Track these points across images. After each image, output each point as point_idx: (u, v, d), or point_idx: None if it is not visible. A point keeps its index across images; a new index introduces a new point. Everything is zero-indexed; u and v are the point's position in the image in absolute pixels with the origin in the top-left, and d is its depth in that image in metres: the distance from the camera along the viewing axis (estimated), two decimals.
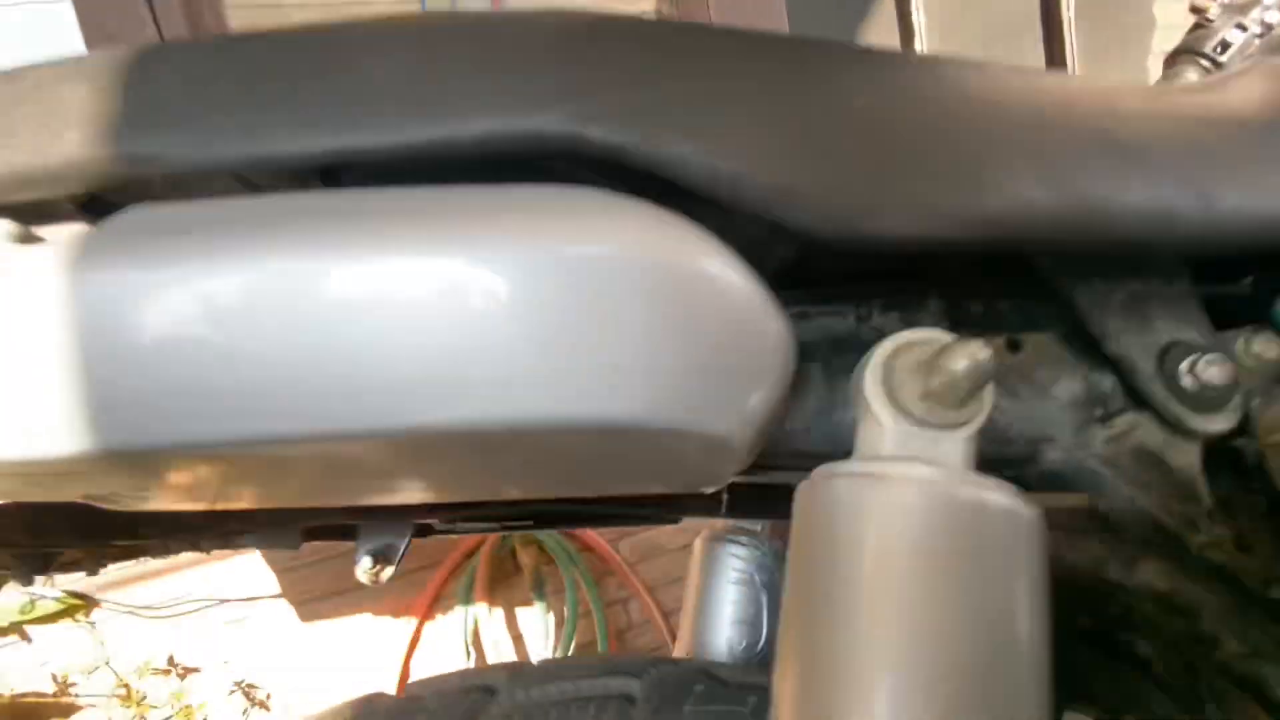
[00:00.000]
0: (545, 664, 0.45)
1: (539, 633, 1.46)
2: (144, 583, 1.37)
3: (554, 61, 0.27)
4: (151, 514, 0.59)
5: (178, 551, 0.64)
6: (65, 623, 1.34)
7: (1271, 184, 0.32)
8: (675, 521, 0.66)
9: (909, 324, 0.39)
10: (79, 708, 1.37)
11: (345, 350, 0.26)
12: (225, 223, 0.28)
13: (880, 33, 1.65)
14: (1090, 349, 0.38)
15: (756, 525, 0.73)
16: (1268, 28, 0.64)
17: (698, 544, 0.72)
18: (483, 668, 0.48)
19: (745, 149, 0.27)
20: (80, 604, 1.33)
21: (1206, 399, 0.35)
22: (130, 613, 1.36)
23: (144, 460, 0.28)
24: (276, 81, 0.28)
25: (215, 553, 1.36)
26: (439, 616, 1.49)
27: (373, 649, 1.47)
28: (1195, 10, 0.66)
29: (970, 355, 0.27)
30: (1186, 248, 0.35)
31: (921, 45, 1.63)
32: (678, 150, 0.26)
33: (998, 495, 0.26)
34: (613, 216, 0.27)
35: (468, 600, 1.44)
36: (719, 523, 0.75)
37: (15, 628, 1.32)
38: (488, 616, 1.44)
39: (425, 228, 0.27)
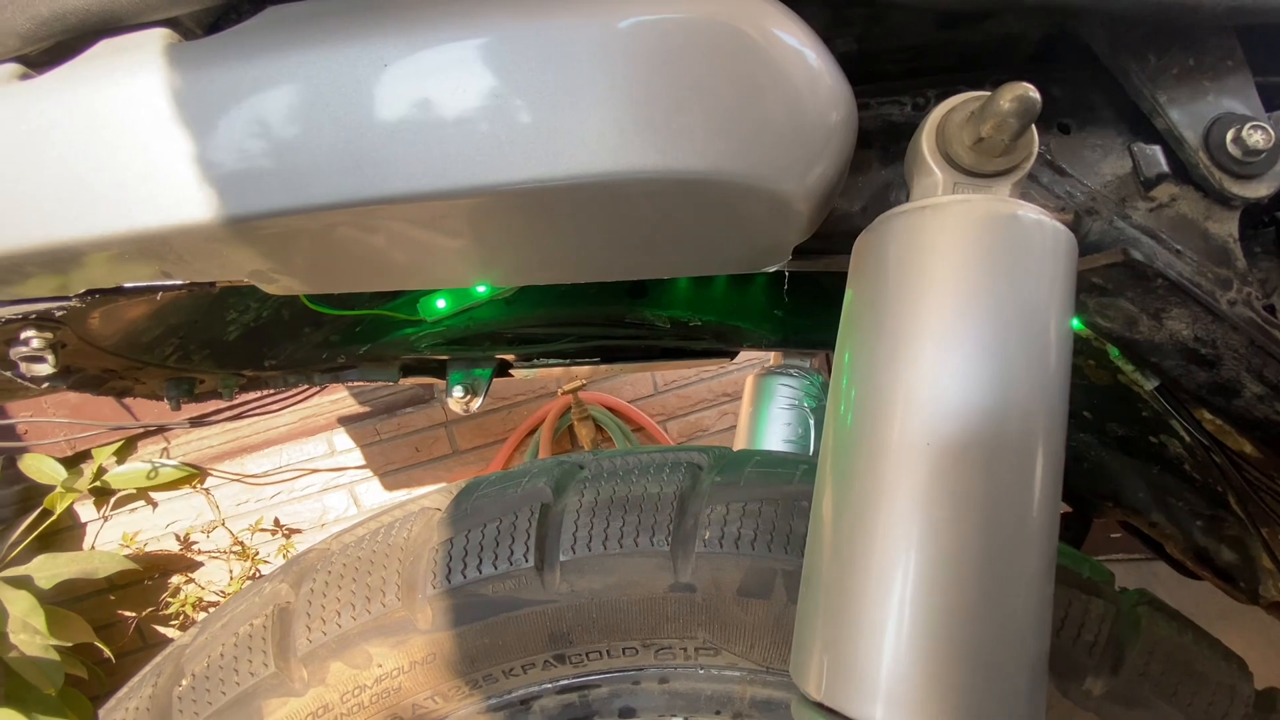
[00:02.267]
0: (625, 449, 0.51)
1: None
2: (249, 455, 1.53)
3: None
4: (274, 342, 0.67)
5: (294, 385, 0.73)
6: (184, 489, 1.53)
7: None
8: (733, 355, 0.72)
9: None
10: (201, 563, 1.58)
11: (468, 113, 0.31)
12: (367, 17, 0.32)
13: None
14: (1136, 128, 0.40)
15: (805, 361, 0.78)
16: None
17: (749, 380, 0.78)
18: (571, 452, 0.55)
19: None
20: (195, 472, 1.50)
21: (1248, 167, 0.37)
22: (238, 479, 1.54)
23: (306, 223, 0.33)
24: None
25: (305, 428, 1.51)
26: None
27: None
28: None
29: (1019, 92, 0.30)
30: (1233, 14, 0.35)
31: None
32: None
33: (1039, 215, 0.30)
34: None
35: None
36: (770, 362, 0.80)
37: (142, 493, 1.52)
38: None
39: (525, 7, 0.31)
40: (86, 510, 1.50)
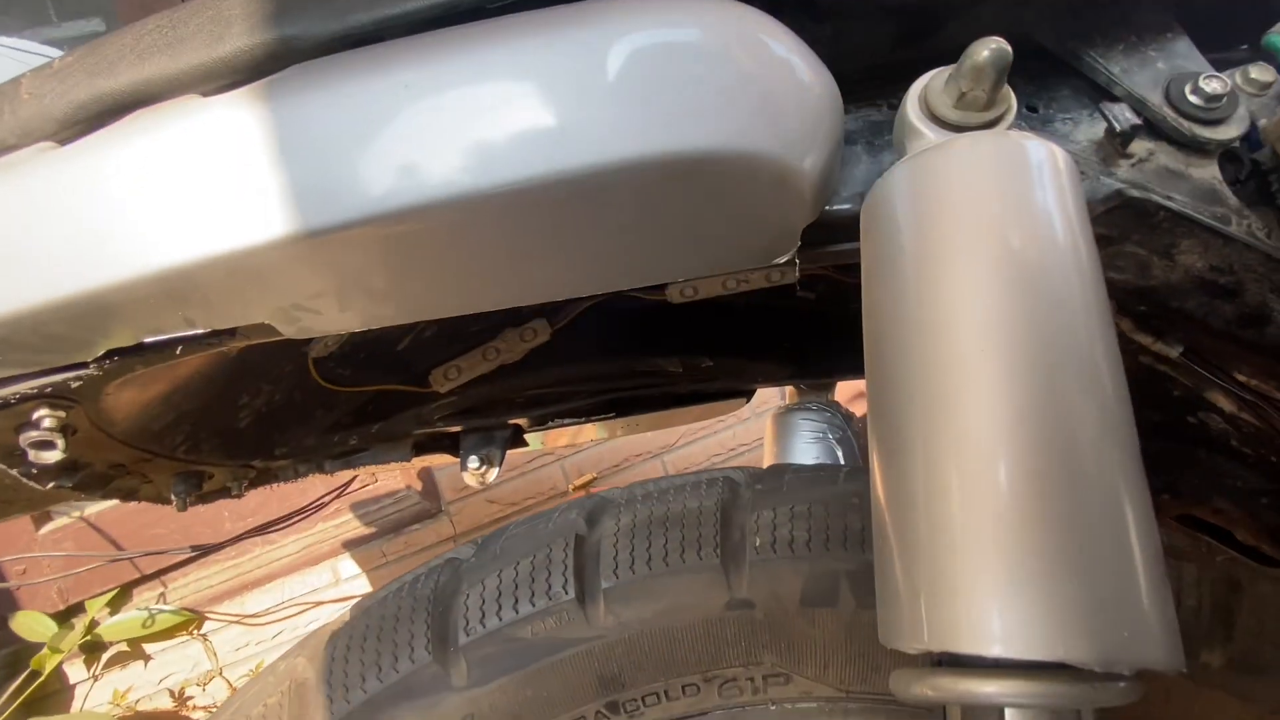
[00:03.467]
0: (655, 480, 0.49)
1: None
2: (247, 593, 1.45)
3: None
4: (285, 427, 0.66)
5: (305, 474, 0.71)
6: (181, 637, 1.42)
7: None
8: (749, 396, 0.71)
9: None
10: None
11: (513, 113, 0.33)
12: (383, 56, 0.35)
13: None
14: (1098, 99, 0.43)
15: (823, 396, 0.77)
16: None
17: (769, 422, 0.77)
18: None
19: None
20: (193, 617, 1.41)
21: (1213, 111, 0.40)
22: (237, 622, 1.44)
23: (341, 239, 0.34)
24: None
25: (308, 557, 1.44)
26: None
27: None
28: None
29: (990, 45, 0.32)
30: None
31: None
32: None
33: (1036, 141, 0.31)
34: (694, 3, 0.34)
35: None
36: (788, 400, 0.79)
37: (135, 646, 1.41)
38: None
39: (566, 21, 0.34)
40: (76, 670, 1.39)
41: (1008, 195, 0.30)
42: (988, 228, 0.29)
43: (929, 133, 0.35)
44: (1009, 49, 0.32)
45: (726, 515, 0.41)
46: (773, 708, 0.40)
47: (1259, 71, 0.42)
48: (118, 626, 1.36)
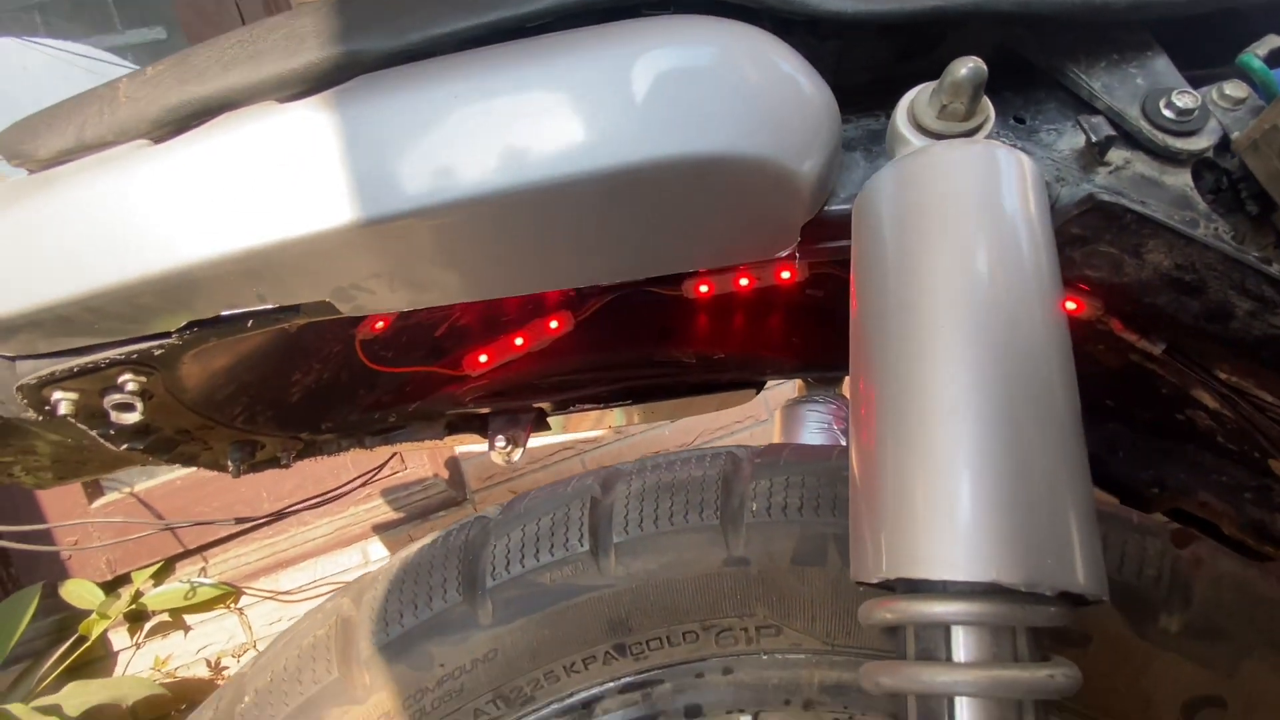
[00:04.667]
0: (664, 454, 0.54)
1: None
2: (282, 571, 1.52)
3: None
4: (332, 403, 0.72)
5: (347, 448, 0.77)
6: (219, 610, 1.50)
7: None
8: (759, 388, 0.75)
9: None
10: None
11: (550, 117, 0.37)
12: (436, 70, 0.41)
13: None
14: (1081, 111, 0.46)
15: (830, 389, 0.80)
16: None
17: (778, 414, 0.81)
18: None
19: None
20: (231, 591, 1.49)
21: (1185, 124, 0.43)
22: (271, 597, 1.52)
23: (401, 228, 0.40)
24: None
25: (340, 539, 1.51)
26: None
27: None
28: None
29: (968, 63, 0.36)
30: (1134, 10, 0.43)
31: None
32: None
33: (1005, 150, 0.35)
34: (707, 24, 0.39)
35: None
36: (794, 393, 0.83)
37: (176, 617, 1.49)
38: None
39: (594, 44, 0.39)
40: (120, 638, 1.48)
41: (977, 196, 0.34)
42: (957, 224, 0.33)
43: (914, 140, 0.39)
44: (984, 67, 0.36)
45: (728, 483, 0.46)
46: (764, 657, 0.44)
47: (1233, 88, 0.45)
48: (161, 597, 1.44)
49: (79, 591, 1.40)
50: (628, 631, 0.44)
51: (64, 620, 1.43)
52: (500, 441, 0.74)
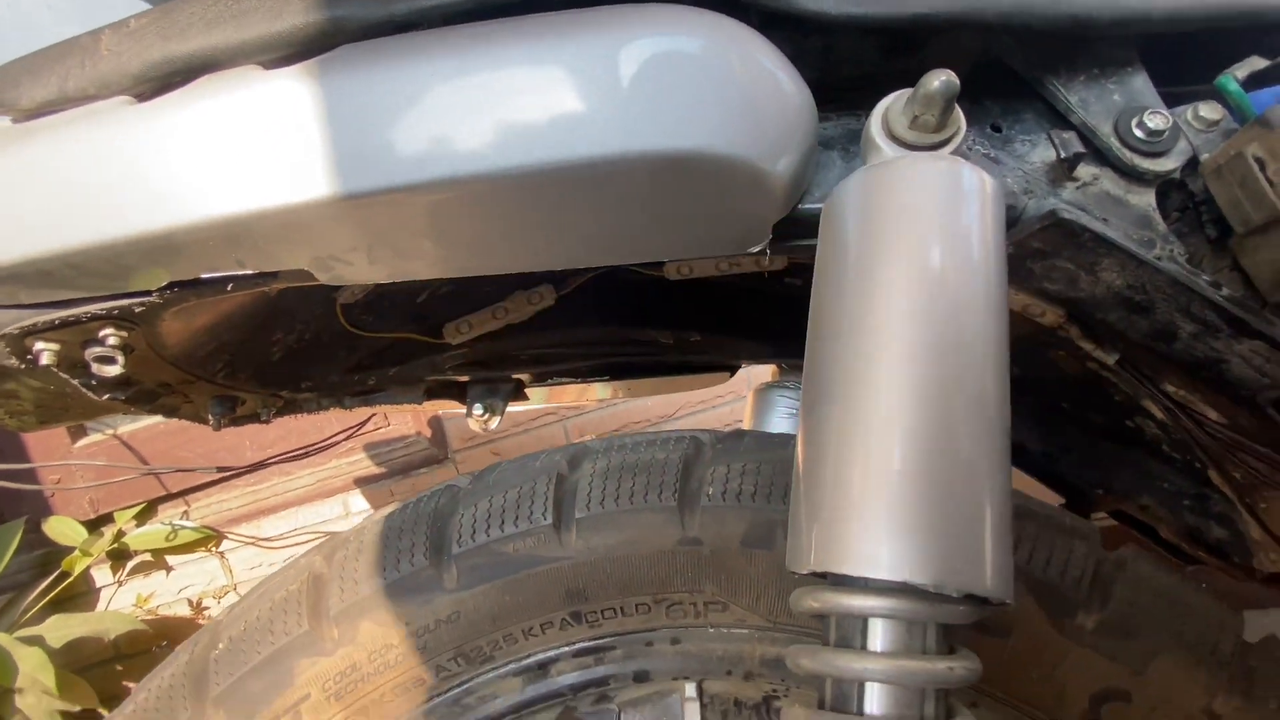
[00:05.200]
0: (633, 435, 0.56)
1: None
2: (264, 518, 1.55)
3: None
4: (312, 363, 0.73)
5: (326, 408, 0.78)
6: (200, 553, 1.54)
7: None
8: (732, 371, 0.77)
9: None
10: None
11: (529, 101, 0.38)
12: (420, 44, 0.41)
13: None
14: (1056, 124, 0.47)
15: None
16: None
17: (750, 396, 0.83)
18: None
19: None
20: (212, 535, 1.52)
21: (1154, 145, 0.44)
22: (252, 543, 1.55)
23: (385, 203, 0.40)
24: None
25: (322, 490, 1.54)
26: None
27: None
28: None
29: (940, 76, 0.37)
30: (1117, 26, 0.43)
31: None
32: None
33: (970, 168, 0.36)
34: (689, 15, 0.39)
35: None
36: (768, 377, 0.85)
37: (158, 557, 1.53)
38: None
39: (575, 25, 0.39)
40: (102, 575, 1.51)
41: (937, 213, 0.35)
42: (913, 240, 0.34)
43: (886, 149, 0.40)
44: (956, 81, 0.37)
45: (688, 467, 0.48)
46: (710, 630, 0.47)
47: (1208, 110, 0.46)
48: (143, 537, 1.47)
49: (62, 528, 1.42)
50: (584, 600, 0.46)
51: (47, 556, 1.46)
52: (478, 409, 0.76)
